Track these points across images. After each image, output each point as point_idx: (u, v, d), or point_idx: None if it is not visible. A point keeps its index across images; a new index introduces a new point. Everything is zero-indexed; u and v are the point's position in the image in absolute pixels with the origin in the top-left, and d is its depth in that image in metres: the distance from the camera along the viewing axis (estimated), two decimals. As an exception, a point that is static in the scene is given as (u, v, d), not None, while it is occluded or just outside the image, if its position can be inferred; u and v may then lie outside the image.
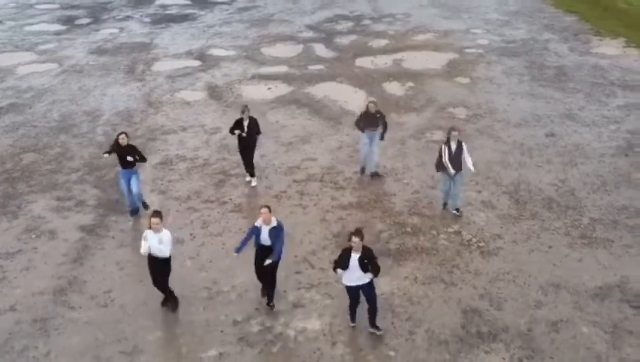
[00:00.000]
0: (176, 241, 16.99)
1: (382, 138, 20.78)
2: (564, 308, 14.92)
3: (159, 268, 14.88)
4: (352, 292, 14.16)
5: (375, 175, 21.02)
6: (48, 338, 14.62)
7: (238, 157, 21.31)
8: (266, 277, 15.31)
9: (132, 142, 19.23)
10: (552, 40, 34.78)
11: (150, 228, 14.58)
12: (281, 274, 15.92)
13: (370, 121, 20.36)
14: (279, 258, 15.01)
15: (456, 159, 17.76)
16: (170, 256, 14.80)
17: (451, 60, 32.10)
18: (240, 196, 19.88)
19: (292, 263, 16.70)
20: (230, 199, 19.78)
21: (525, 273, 16.09)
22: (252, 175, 20.67)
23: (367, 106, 20.17)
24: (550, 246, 17.00)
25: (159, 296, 15.24)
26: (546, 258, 16.59)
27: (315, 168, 21.49)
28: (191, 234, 18.03)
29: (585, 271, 16.11)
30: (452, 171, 18.03)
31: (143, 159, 18.86)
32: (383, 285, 15.58)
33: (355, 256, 13.62)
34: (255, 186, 20.28)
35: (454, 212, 18.64)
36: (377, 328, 14.55)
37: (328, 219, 18.50)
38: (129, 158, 18.37)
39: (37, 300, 15.78)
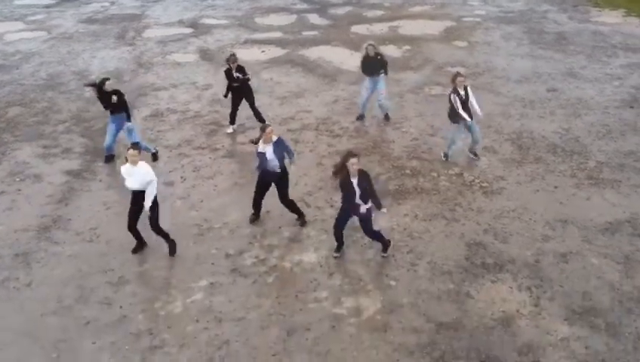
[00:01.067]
0: (166, 184, 16.17)
1: (385, 72, 20.10)
2: (572, 242, 14.13)
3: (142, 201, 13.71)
4: (346, 214, 13.48)
5: (387, 117, 20.37)
6: (30, 271, 13.86)
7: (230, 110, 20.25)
8: (284, 203, 15.15)
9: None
10: (551, 10, 34.03)
11: (127, 162, 13.71)
12: (275, 212, 15.10)
13: (372, 64, 19.57)
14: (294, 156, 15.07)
15: (467, 106, 16.73)
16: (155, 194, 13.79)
17: (448, 27, 31.36)
18: (233, 143, 19.05)
19: (287, 203, 15.68)
20: (222, 146, 19.03)
21: (530, 210, 15.29)
22: (263, 120, 19.63)
23: (367, 49, 19.49)
24: (556, 187, 16.23)
25: (150, 233, 14.12)
26: (552, 197, 15.81)
27: (310, 119, 20.72)
28: (181, 177, 17.29)
29: (593, 208, 15.35)
30: (469, 120, 17.09)
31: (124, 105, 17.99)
32: (381, 222, 14.77)
33: (354, 182, 12.66)
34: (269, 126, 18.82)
35: (473, 156, 17.94)
36: (385, 251, 14.03)
37: (324, 163, 17.75)
38: (113, 98, 17.64)
39: (19, 236, 15.02)
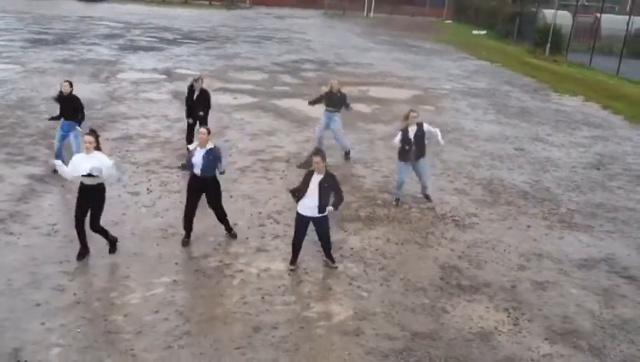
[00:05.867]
0: (131, 193, 14.93)
1: (348, 107, 19.33)
2: (548, 273, 13.10)
3: (92, 199, 12.35)
4: (301, 222, 12.48)
5: (347, 155, 19.35)
6: (-20, 257, 12.04)
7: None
8: (216, 210, 13.79)
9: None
10: (513, 91, 33.78)
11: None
12: (242, 224, 13.85)
13: (332, 99, 18.60)
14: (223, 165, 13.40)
15: (419, 143, 15.62)
16: (104, 186, 12.49)
17: (416, 95, 30.79)
18: (202, 166, 17.55)
19: (256, 218, 14.74)
20: (190, 167, 17.48)
21: (504, 243, 14.29)
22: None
23: (331, 85, 18.27)
24: (528, 226, 15.28)
25: (117, 232, 12.95)
26: (525, 234, 14.85)
27: (281, 152, 19.67)
28: (148, 189, 16.05)
29: (567, 246, 14.42)
30: (406, 162, 16.07)
31: (81, 112, 16.77)
32: (353, 241, 13.61)
33: (316, 179, 11.77)
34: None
35: (425, 199, 16.56)
36: (332, 260, 12.94)
37: (295, 189, 16.29)
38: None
39: (-29, 226, 13.22)
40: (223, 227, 13.95)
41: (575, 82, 37.28)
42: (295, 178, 17.03)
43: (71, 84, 16.57)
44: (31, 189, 15.65)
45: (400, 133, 15.80)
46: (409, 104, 27.97)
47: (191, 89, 18.14)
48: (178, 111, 23.81)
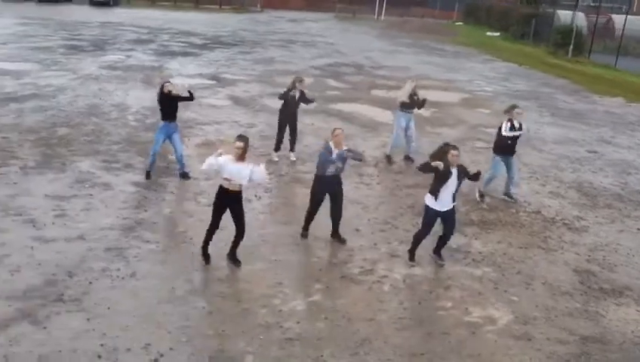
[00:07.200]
0: (244, 200, 14.90)
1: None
2: (681, 277, 12.93)
3: (233, 203, 12.33)
4: (434, 218, 12.72)
5: (408, 158, 19.26)
6: (128, 263, 12.36)
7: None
8: (339, 211, 13.89)
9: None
10: (555, 93, 33.85)
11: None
12: (365, 230, 13.99)
13: (411, 100, 18.69)
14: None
15: (515, 142, 15.78)
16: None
17: (465, 98, 30.77)
18: (296, 172, 17.77)
19: (373, 223, 14.73)
20: (286, 173, 17.94)
21: (625, 246, 14.36)
22: (292, 149, 19.01)
23: (407, 85, 18.24)
24: (639, 229, 15.08)
25: (247, 237, 12.75)
26: (639, 238, 14.66)
27: (365, 157, 19.38)
28: (256, 196, 15.90)
29: (687, 250, 14.22)
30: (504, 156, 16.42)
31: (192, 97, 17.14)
32: (477, 246, 13.67)
33: (454, 172, 11.82)
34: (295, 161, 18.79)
35: (506, 198, 16.68)
36: (442, 257, 13.11)
37: (397, 194, 16.72)
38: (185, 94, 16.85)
39: (106, 233, 13.56)
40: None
41: (608, 83, 37.46)
42: (391, 182, 17.12)
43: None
44: (143, 197, 15.62)
45: (508, 125, 15.74)
46: (462, 107, 28.14)
47: (290, 92, 18.00)
48: (247, 117, 23.91)
